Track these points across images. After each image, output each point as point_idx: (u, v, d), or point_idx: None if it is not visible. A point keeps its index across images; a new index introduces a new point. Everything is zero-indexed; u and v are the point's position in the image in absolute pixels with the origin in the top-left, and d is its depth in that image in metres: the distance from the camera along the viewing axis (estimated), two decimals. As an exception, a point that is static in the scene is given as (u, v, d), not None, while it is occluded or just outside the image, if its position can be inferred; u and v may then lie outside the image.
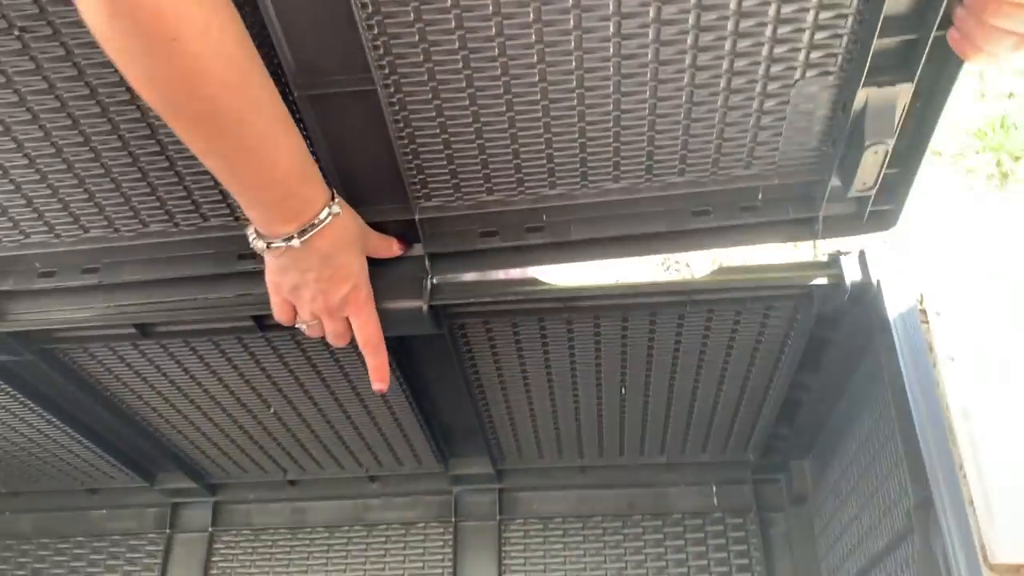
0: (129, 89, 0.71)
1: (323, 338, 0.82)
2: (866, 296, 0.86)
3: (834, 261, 0.87)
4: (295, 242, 0.70)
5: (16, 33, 0.66)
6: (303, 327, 0.80)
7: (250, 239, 0.73)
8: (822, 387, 1.09)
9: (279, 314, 0.79)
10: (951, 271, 1.26)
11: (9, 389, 1.07)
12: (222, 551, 1.41)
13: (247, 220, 0.73)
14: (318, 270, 0.74)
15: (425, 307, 0.87)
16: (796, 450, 1.26)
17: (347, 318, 0.80)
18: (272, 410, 1.17)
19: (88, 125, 0.74)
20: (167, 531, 1.42)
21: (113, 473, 1.36)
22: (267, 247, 0.72)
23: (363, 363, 0.88)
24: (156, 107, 0.59)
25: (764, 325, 0.98)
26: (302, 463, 1.35)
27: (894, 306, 0.83)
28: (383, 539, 1.39)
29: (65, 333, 0.97)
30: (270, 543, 1.40)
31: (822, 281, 0.87)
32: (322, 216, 0.71)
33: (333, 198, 0.72)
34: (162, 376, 1.08)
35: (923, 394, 0.77)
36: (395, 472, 1.39)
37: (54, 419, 1.16)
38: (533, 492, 1.38)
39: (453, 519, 1.38)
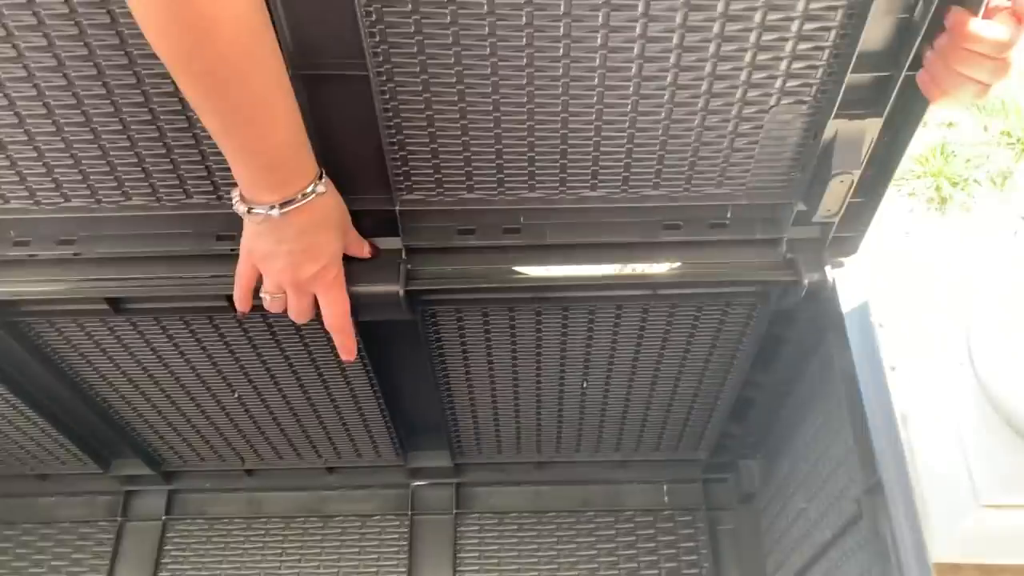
0: (127, 53, 0.72)
1: (284, 314, 0.83)
2: (821, 294, 0.91)
3: (793, 260, 0.91)
4: (275, 211, 0.72)
5: None
6: (266, 298, 0.81)
7: (233, 202, 0.74)
8: (773, 385, 1.14)
9: (240, 277, 0.81)
10: (893, 285, 1.32)
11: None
12: (175, 540, 1.40)
13: (230, 198, 0.75)
14: (291, 243, 0.76)
15: (401, 291, 0.89)
16: (745, 448, 1.31)
17: (313, 296, 0.82)
18: (236, 394, 1.18)
19: (82, 88, 0.75)
20: (118, 519, 1.41)
21: (66, 459, 1.35)
22: (248, 211, 0.73)
23: (332, 347, 0.90)
24: (166, 58, 0.60)
25: (722, 322, 1.03)
26: (261, 452, 1.35)
27: (848, 302, 0.88)
28: (339, 531, 1.40)
29: (34, 307, 0.96)
30: (225, 533, 1.40)
31: (782, 277, 0.91)
32: (306, 191, 0.73)
33: (320, 177, 0.75)
34: (128, 355, 1.08)
35: (875, 387, 0.82)
36: (353, 464, 1.40)
37: (11, 398, 1.14)
38: (490, 487, 1.41)
39: (409, 512, 1.39)
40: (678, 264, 0.92)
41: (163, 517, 1.41)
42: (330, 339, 0.99)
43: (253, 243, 0.77)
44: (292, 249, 0.76)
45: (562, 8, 0.68)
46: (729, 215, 0.89)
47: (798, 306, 0.96)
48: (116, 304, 0.96)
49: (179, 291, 0.93)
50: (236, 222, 0.87)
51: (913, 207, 1.99)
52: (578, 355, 1.10)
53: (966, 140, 2.09)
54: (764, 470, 1.29)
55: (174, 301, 0.96)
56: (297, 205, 0.73)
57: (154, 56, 0.62)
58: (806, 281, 0.91)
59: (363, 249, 0.88)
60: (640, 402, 1.22)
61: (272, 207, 0.72)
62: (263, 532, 1.40)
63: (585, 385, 1.18)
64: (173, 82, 0.75)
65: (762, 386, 1.17)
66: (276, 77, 0.65)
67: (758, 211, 0.89)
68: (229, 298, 0.94)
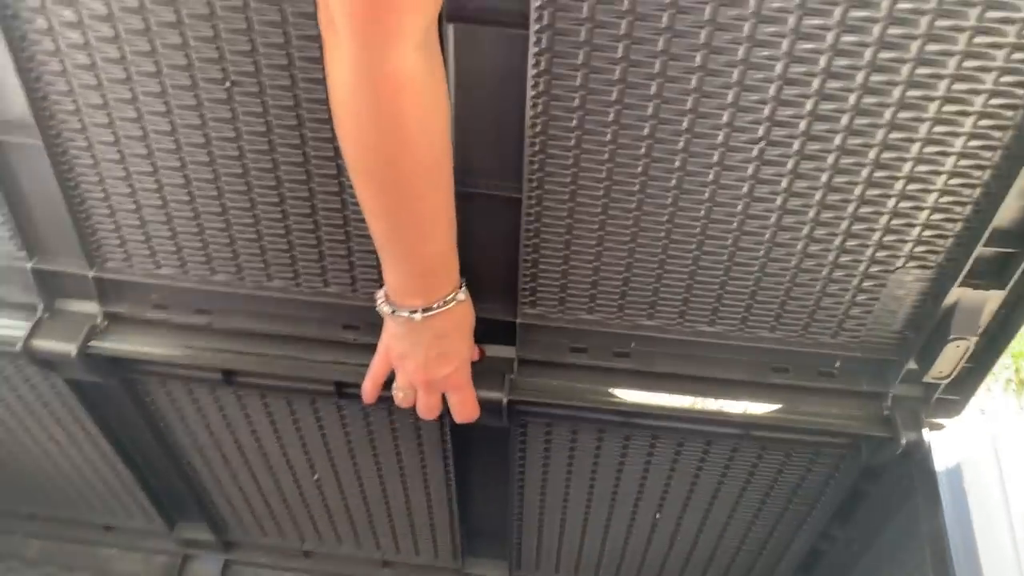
0: (304, 153, 0.79)
1: (411, 409, 0.87)
2: (916, 454, 0.91)
3: (892, 417, 0.92)
4: (417, 316, 0.76)
5: (225, 84, 0.75)
6: (398, 394, 0.85)
7: (378, 302, 0.79)
8: (849, 540, 1.13)
9: (373, 370, 0.85)
10: (978, 455, 1.30)
11: (77, 408, 1.11)
12: (223, 611, 1.40)
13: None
14: (428, 346, 0.80)
15: (505, 400, 0.92)
16: (809, 605, 1.28)
17: (442, 394, 0.85)
18: (316, 476, 1.20)
19: (256, 178, 0.82)
20: (172, 581, 1.42)
21: (134, 512, 1.37)
22: (391, 313, 0.77)
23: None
24: (356, 164, 0.66)
25: (808, 470, 1.04)
26: (323, 535, 1.36)
27: (943, 464, 0.88)
28: (386, 627, 1.38)
29: (154, 367, 1.01)
30: (272, 611, 1.40)
31: (879, 433, 0.92)
32: (448, 299, 0.77)
33: (461, 286, 0.79)
34: (226, 426, 1.12)
35: (965, 555, 0.81)
36: (409, 562, 1.40)
37: (104, 445, 1.18)
38: (542, 605, 1.39)
39: (458, 619, 1.38)
40: (779, 407, 0.94)
41: (215, 586, 1.42)
42: (418, 434, 1.02)
43: (392, 342, 0.82)
44: (428, 352, 0.80)
45: (714, 158, 0.73)
46: (838, 365, 0.91)
47: (889, 463, 0.96)
48: (229, 376, 1.00)
49: (292, 371, 0.97)
50: (363, 313, 0.92)
51: (991, 387, 1.98)
52: (657, 485, 1.11)
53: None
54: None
55: (286, 380, 0.99)
56: (439, 311, 0.76)
57: (324, 151, 0.68)
58: (904, 440, 0.91)
59: (474, 353, 0.92)
60: (710, 541, 1.21)
61: (416, 311, 0.76)
62: (311, 616, 1.40)
63: (657, 516, 1.18)
64: (337, 180, 0.81)
65: (836, 540, 1.16)
66: (449, 192, 0.70)
67: (867, 364, 0.91)
68: (338, 384, 0.98)
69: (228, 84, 0.74)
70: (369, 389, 0.87)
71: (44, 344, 0.94)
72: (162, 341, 0.97)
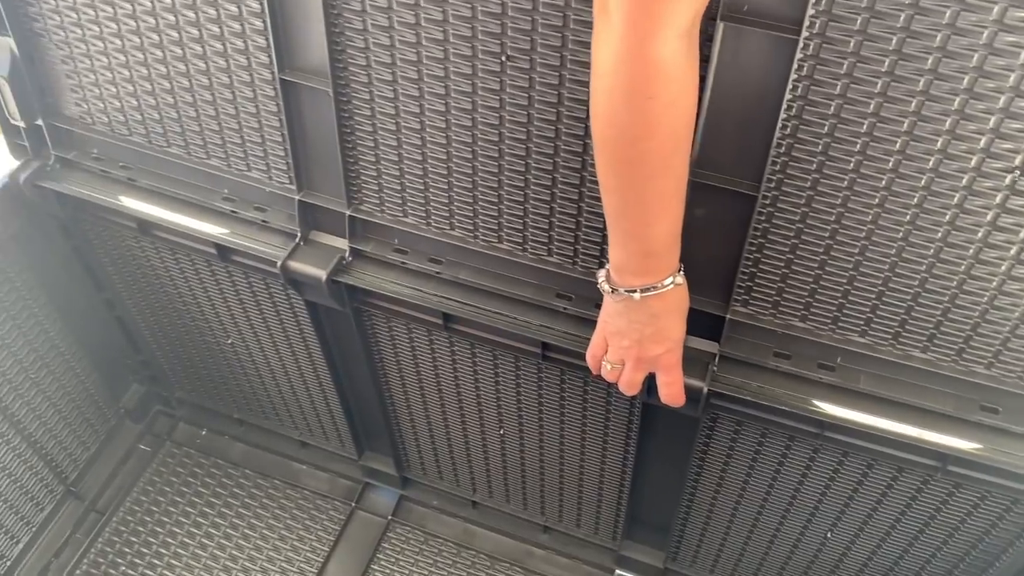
0: (555, 128, 0.85)
1: (606, 383, 0.91)
2: None
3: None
4: (636, 295, 0.80)
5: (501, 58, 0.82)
6: (606, 366, 0.90)
7: (599, 280, 0.83)
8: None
9: (593, 346, 0.90)
10: None
11: (308, 331, 1.24)
12: (392, 540, 1.52)
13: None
14: (644, 325, 0.84)
15: (705, 389, 0.96)
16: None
17: (648, 372, 0.90)
18: (502, 431, 1.28)
19: (508, 145, 0.89)
20: (352, 504, 1.55)
21: (331, 435, 1.51)
22: (611, 291, 0.82)
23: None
24: (599, 139, 0.70)
25: (1002, 517, 1.00)
26: (494, 489, 1.45)
27: None
28: (536, 588, 1.46)
29: (384, 302, 1.11)
30: (436, 551, 1.50)
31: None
32: (666, 282, 0.80)
33: (680, 270, 0.82)
34: (433, 369, 1.22)
35: None
36: (568, 532, 1.46)
37: (321, 366, 1.31)
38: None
39: (608, 595, 1.43)
40: (980, 446, 0.92)
41: (389, 517, 1.54)
42: (607, 409, 1.07)
43: (609, 320, 0.86)
44: (643, 330, 0.84)
45: (963, 181, 0.73)
46: (1054, 413, 0.88)
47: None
48: (448, 320, 1.09)
49: (506, 326, 1.04)
50: (578, 286, 0.99)
51: None
52: (836, 503, 1.11)
53: None
54: None
55: (497, 335, 1.07)
56: (657, 292, 0.80)
57: (575, 130, 0.73)
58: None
59: None
60: (879, 571, 1.19)
61: (634, 291, 0.80)
62: (469, 563, 1.49)
63: (829, 536, 1.17)
64: (581, 158, 0.87)
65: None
66: (683, 179, 0.74)
67: (1087, 418, 0.87)
68: (545, 346, 1.04)
69: (504, 58, 0.82)
70: (592, 363, 0.92)
71: (299, 266, 1.07)
72: (397, 280, 1.07)
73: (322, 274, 1.06)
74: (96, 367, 1.48)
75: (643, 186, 0.72)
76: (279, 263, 1.07)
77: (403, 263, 1.06)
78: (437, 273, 1.05)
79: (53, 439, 1.43)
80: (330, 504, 1.56)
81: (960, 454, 0.91)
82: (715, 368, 0.97)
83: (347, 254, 1.07)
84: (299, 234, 1.08)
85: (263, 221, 1.10)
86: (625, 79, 0.64)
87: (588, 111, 0.83)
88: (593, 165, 0.86)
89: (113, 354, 1.53)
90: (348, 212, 1.04)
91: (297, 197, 1.06)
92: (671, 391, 0.89)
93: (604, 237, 0.93)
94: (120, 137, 1.12)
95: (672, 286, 0.81)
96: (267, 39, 0.92)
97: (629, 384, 0.90)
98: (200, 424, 1.66)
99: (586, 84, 0.81)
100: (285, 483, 1.59)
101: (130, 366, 1.58)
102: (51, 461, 1.44)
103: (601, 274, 0.83)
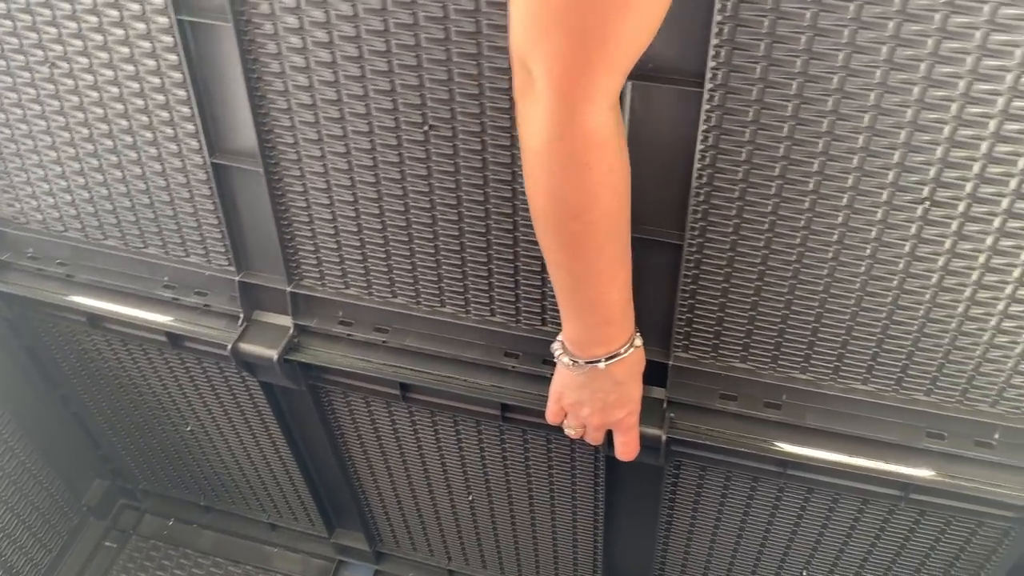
0: (483, 192, 0.87)
1: (568, 440, 0.91)
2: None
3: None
4: (601, 364, 0.78)
5: (423, 127, 0.84)
6: (569, 431, 0.89)
7: (555, 352, 0.81)
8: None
9: (552, 417, 0.89)
10: None
11: (265, 411, 1.23)
12: (369, 619, 1.48)
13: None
14: (606, 392, 0.82)
15: (664, 437, 0.95)
16: None
17: (609, 431, 0.89)
18: (471, 498, 1.27)
19: (441, 212, 0.91)
20: (325, 584, 1.52)
21: (300, 516, 1.49)
22: (572, 364, 0.80)
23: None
24: (541, 216, 0.69)
25: (968, 541, 1.00)
26: (469, 556, 1.43)
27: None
28: (519, 656, 1.42)
29: (340, 377, 1.10)
30: (414, 626, 1.47)
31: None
32: (628, 346, 0.79)
33: (636, 331, 0.80)
34: (394, 440, 1.21)
35: None
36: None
37: (284, 449, 1.30)
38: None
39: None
40: (932, 473, 0.92)
41: (364, 595, 1.51)
42: (573, 464, 1.06)
43: (566, 390, 0.84)
44: (606, 398, 0.82)
45: (878, 216, 0.75)
46: (997, 436, 0.89)
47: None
48: (405, 390, 1.08)
49: (460, 390, 1.04)
50: (523, 343, 0.99)
51: None
52: (807, 540, 1.10)
53: None
54: None
55: (455, 400, 1.07)
56: (619, 359, 0.78)
57: (503, 192, 0.74)
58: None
59: None
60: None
61: (598, 360, 0.78)
62: (449, 636, 1.45)
63: (805, 574, 1.16)
64: (512, 220, 0.88)
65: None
66: (628, 242, 0.72)
67: (1029, 438, 0.88)
68: (503, 407, 1.04)
69: (426, 127, 0.84)
70: (552, 423, 0.90)
71: (250, 348, 1.07)
72: (346, 353, 1.07)
73: (274, 353, 1.05)
74: (55, 466, 1.46)
75: (594, 257, 0.70)
76: (229, 346, 1.07)
77: (349, 335, 1.06)
78: (384, 342, 1.05)
79: (12, 545, 1.40)
80: (303, 586, 1.53)
81: (919, 482, 0.92)
82: (672, 416, 0.97)
83: (292, 331, 1.07)
84: (242, 315, 1.08)
85: (205, 305, 1.09)
86: (562, 154, 0.63)
87: (513, 177, 0.85)
88: (526, 224, 0.87)
89: (72, 451, 1.50)
90: (289, 289, 1.04)
91: (237, 278, 1.06)
92: (627, 449, 0.89)
93: (544, 293, 0.94)
94: (56, 233, 1.12)
95: (634, 349, 0.79)
96: (196, 125, 0.93)
97: (594, 442, 0.90)
98: (166, 514, 1.63)
99: (508, 149, 0.83)
100: (257, 568, 1.56)
101: (90, 462, 1.55)
102: (11, 569, 1.41)
103: (556, 347, 0.82)
